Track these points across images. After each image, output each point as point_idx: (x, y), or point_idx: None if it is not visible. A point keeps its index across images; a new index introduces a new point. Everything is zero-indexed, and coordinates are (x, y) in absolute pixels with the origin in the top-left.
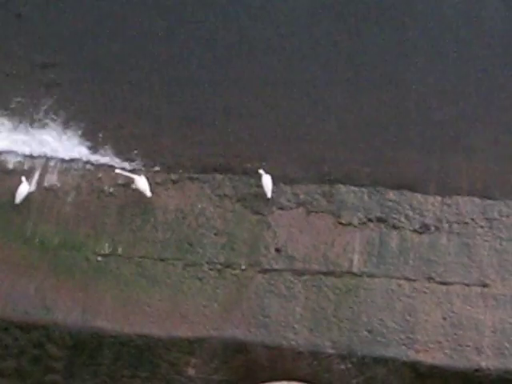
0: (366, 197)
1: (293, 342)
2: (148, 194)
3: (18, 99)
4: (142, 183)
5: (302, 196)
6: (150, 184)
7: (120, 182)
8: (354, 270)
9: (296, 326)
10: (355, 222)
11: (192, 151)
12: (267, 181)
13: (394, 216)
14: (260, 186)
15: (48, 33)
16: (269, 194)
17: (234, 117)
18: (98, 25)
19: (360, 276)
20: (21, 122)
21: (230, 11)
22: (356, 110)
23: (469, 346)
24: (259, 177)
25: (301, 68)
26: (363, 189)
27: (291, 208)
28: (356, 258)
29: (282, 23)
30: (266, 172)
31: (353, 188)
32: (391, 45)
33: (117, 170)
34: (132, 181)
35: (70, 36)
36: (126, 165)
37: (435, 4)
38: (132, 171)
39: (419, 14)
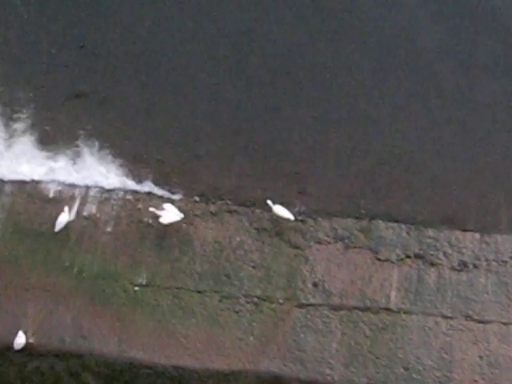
0: (404, 233)
1: (328, 378)
2: (180, 216)
3: (59, 128)
4: (170, 211)
5: (340, 231)
6: (185, 215)
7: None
8: (391, 306)
9: (332, 361)
10: (393, 258)
11: (231, 183)
12: (280, 209)
13: (432, 253)
14: (298, 220)
15: (94, 64)
16: (291, 217)
17: (273, 150)
18: (140, 59)
19: (397, 312)
20: (61, 152)
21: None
22: (396, 147)
23: None
24: (270, 209)
25: (341, 105)
26: (402, 225)
27: (329, 242)
28: (393, 294)
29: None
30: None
31: (391, 224)
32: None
33: (150, 209)
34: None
35: (114, 68)
36: (166, 196)
37: None
38: (171, 202)
39: None
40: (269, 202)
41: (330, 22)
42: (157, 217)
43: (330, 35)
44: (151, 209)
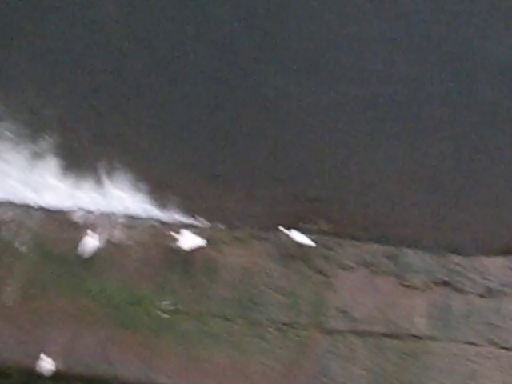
0: (430, 259)
1: None
2: (202, 242)
3: (84, 155)
4: (190, 237)
5: (365, 257)
6: (212, 241)
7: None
8: (417, 332)
9: None
10: (419, 284)
11: (257, 209)
12: (296, 235)
13: (458, 279)
14: (324, 246)
15: (118, 88)
16: (309, 242)
17: (298, 176)
18: (163, 87)
19: (423, 339)
20: (87, 178)
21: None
22: (421, 174)
23: None
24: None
25: (362, 131)
26: (428, 251)
27: (355, 269)
28: (419, 320)
29: None
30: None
31: (417, 250)
32: None
33: (170, 233)
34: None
35: (135, 96)
36: (192, 222)
37: None
38: (198, 229)
39: None
40: (281, 228)
41: None
42: (180, 242)
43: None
44: (171, 233)
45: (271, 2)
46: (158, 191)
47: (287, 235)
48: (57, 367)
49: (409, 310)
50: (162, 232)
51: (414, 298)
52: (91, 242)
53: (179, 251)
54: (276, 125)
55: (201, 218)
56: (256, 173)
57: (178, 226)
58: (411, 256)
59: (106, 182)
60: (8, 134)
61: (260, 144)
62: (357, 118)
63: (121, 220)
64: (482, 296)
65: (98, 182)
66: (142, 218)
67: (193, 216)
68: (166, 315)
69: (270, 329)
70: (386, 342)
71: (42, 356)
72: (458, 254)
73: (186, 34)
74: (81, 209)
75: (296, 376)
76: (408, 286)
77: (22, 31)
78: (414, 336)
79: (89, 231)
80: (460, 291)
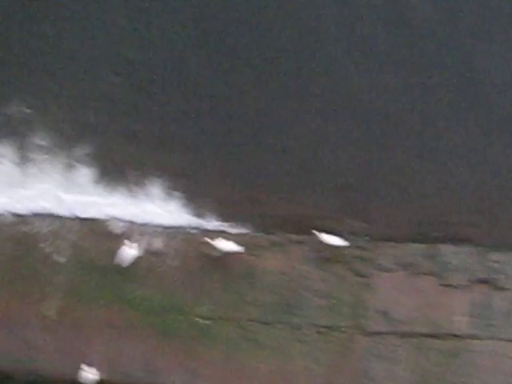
0: (469, 258)
1: None
2: (239, 249)
3: (123, 165)
4: (226, 244)
5: (404, 257)
6: (249, 247)
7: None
8: (458, 332)
9: None
10: (459, 283)
11: (293, 213)
12: (328, 237)
13: (498, 277)
14: (362, 247)
15: (152, 96)
16: (342, 243)
17: (335, 178)
18: (196, 94)
19: (464, 338)
20: (126, 188)
21: None
22: (458, 172)
23: None
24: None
25: (402, 133)
26: (466, 250)
27: (394, 270)
28: (460, 319)
29: None
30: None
31: (456, 249)
32: None
33: (205, 239)
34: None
35: (172, 105)
36: (229, 228)
37: None
38: (235, 235)
39: None
40: (314, 231)
41: None
42: (217, 249)
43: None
44: (208, 240)
45: None
46: (195, 199)
47: (323, 238)
48: (100, 378)
49: (449, 309)
50: (200, 239)
51: (454, 297)
52: (129, 252)
53: (217, 258)
54: (306, 130)
55: (237, 224)
56: (291, 177)
57: (214, 233)
58: (450, 255)
59: (143, 191)
60: (43, 143)
61: (293, 149)
62: (395, 121)
63: (158, 229)
64: None
65: (135, 191)
66: (179, 226)
67: (229, 222)
68: (206, 322)
69: (311, 332)
70: (427, 342)
71: (85, 367)
72: (498, 252)
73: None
74: (118, 219)
75: (338, 379)
76: (448, 286)
77: (55, 42)
78: (455, 335)
79: (126, 241)
80: (500, 289)
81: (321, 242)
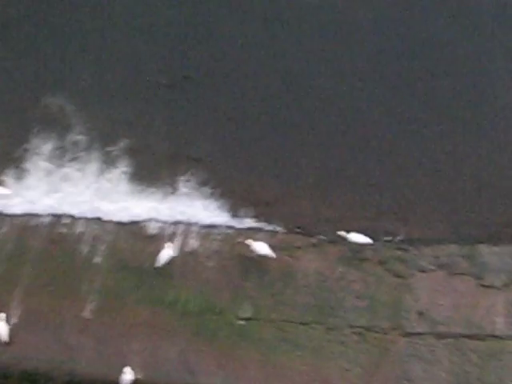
0: (508, 258)
1: None
2: (272, 255)
3: (158, 166)
4: (261, 248)
5: (443, 258)
6: (288, 248)
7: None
8: (498, 332)
9: None
10: (498, 283)
11: (332, 214)
12: (356, 236)
13: None
14: (400, 248)
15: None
16: (370, 241)
17: (373, 181)
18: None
19: (504, 339)
20: (161, 189)
21: None
22: (494, 171)
23: None
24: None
25: (439, 135)
26: (505, 250)
27: (432, 270)
28: (500, 320)
29: None
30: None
31: (495, 249)
32: None
33: (246, 241)
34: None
35: (207, 102)
36: (266, 229)
37: None
38: (272, 235)
39: None
40: (341, 233)
41: None
42: (254, 250)
43: None
44: (245, 241)
45: None
46: (231, 199)
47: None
48: (138, 378)
49: (488, 310)
50: (235, 239)
51: (493, 297)
52: (166, 252)
53: (254, 258)
54: (343, 131)
55: (273, 224)
56: (329, 177)
57: (250, 233)
58: (488, 255)
59: (178, 192)
60: (80, 139)
61: (334, 151)
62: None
63: (195, 229)
64: None
65: (170, 191)
66: (216, 227)
67: (266, 222)
68: (243, 323)
69: (348, 333)
70: (467, 342)
71: (124, 368)
72: None
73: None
74: (154, 220)
75: (376, 380)
76: (486, 286)
77: (91, 40)
78: (495, 336)
79: (164, 241)
80: None
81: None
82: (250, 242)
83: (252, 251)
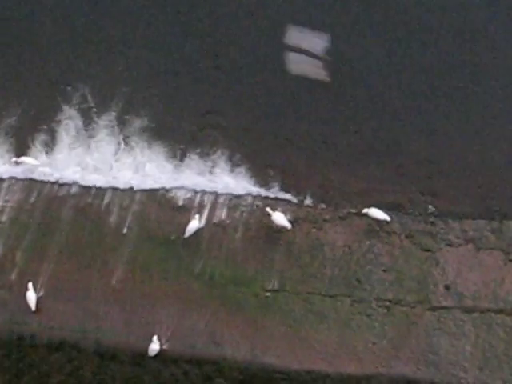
0: None
1: (462, 381)
2: (287, 225)
3: (187, 138)
4: (279, 217)
5: (470, 232)
6: (315, 221)
7: (288, 218)
8: None
9: (466, 364)
10: None
11: (360, 187)
12: (375, 212)
13: None
14: (428, 222)
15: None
16: (388, 218)
17: (402, 154)
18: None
19: None
20: (189, 160)
21: None
22: None
23: None
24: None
25: (467, 110)
26: None
27: (460, 245)
28: None
29: None
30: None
31: None
32: None
33: (267, 209)
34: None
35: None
36: (294, 201)
37: None
38: (299, 207)
39: None
40: (365, 209)
41: None
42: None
43: None
44: (267, 209)
45: None
46: (259, 170)
47: (392, 213)
48: (164, 348)
49: None
50: (264, 212)
51: None
52: (193, 223)
53: (280, 230)
54: (371, 106)
55: (301, 196)
56: (358, 150)
57: (278, 204)
58: None
59: (206, 163)
60: (102, 122)
61: (363, 123)
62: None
63: (223, 200)
64: None
65: (201, 163)
66: (243, 198)
67: (293, 193)
68: (269, 294)
69: (376, 306)
70: (494, 317)
71: (151, 338)
72: None
73: None
74: (182, 190)
75: (403, 353)
76: None
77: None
78: None
79: (192, 212)
80: None
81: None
82: (269, 210)
83: (272, 221)
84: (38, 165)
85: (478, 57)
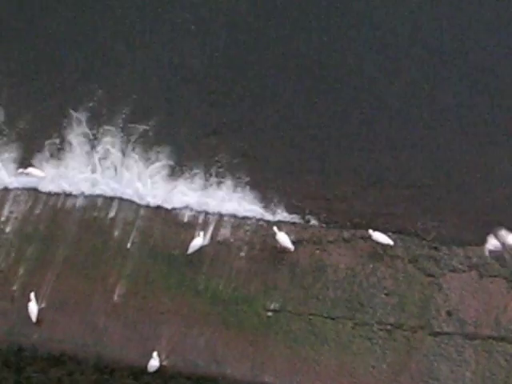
0: None
1: None
2: (291, 247)
3: (193, 157)
4: (283, 238)
5: (474, 259)
6: (317, 241)
7: (292, 238)
8: None
9: None
10: None
11: (364, 210)
12: (379, 236)
13: None
14: (432, 247)
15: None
16: (391, 242)
17: (407, 177)
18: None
19: None
20: (195, 179)
21: None
22: None
23: None
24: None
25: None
26: None
27: (463, 271)
28: None
29: None
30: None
31: None
32: None
33: (274, 227)
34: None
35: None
36: (299, 222)
37: None
38: (305, 229)
39: None
40: (370, 231)
41: None
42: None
43: None
44: (274, 228)
45: None
46: (264, 190)
47: (396, 237)
48: (163, 364)
49: None
50: (269, 232)
51: None
52: (198, 241)
53: (285, 251)
54: (380, 130)
55: (306, 217)
56: (365, 174)
57: (282, 225)
58: None
59: (212, 181)
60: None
61: (366, 147)
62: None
63: (227, 219)
64: None
65: (206, 183)
66: (248, 218)
67: (298, 215)
68: (271, 314)
69: (377, 330)
70: (495, 345)
71: (151, 354)
72: None
73: None
74: (187, 208)
75: (403, 378)
76: None
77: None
78: None
79: (196, 230)
80: None
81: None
82: (275, 229)
83: (276, 240)
84: (44, 176)
85: None
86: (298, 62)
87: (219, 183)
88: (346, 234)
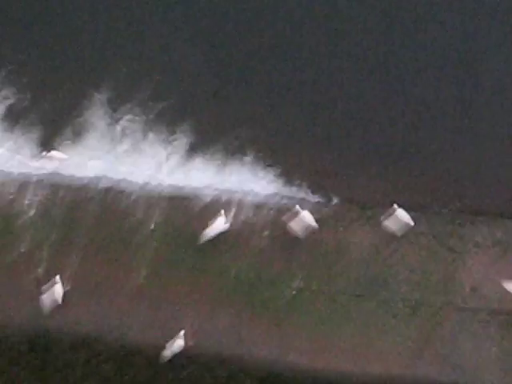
0: None
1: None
2: (314, 225)
3: (214, 137)
4: (307, 217)
5: (498, 234)
6: (341, 220)
7: (315, 216)
8: None
9: (491, 366)
10: None
11: (386, 187)
12: (402, 214)
13: None
14: (455, 223)
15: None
16: (411, 222)
17: (430, 155)
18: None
19: None
20: (218, 159)
21: None
22: None
23: None
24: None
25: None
26: None
27: (487, 246)
28: None
29: None
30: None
31: None
32: None
33: (296, 207)
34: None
35: (262, 75)
36: (322, 201)
37: None
38: (327, 206)
39: None
40: (395, 206)
41: None
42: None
43: None
44: (296, 207)
45: None
46: (287, 169)
47: (419, 213)
48: (188, 345)
49: None
50: (290, 210)
51: None
52: (220, 221)
53: (309, 229)
54: (399, 110)
55: (328, 195)
56: (388, 150)
57: (306, 205)
58: None
59: (234, 162)
60: (137, 118)
61: (386, 125)
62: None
63: (251, 199)
64: None
65: (230, 162)
66: (272, 197)
67: (323, 195)
68: (297, 293)
69: (402, 306)
70: None
71: (176, 335)
72: None
73: None
74: (211, 188)
75: (428, 354)
76: None
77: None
78: None
79: (219, 210)
80: None
81: (413, 217)
82: (298, 208)
83: (299, 219)
84: (66, 159)
85: None
86: None
87: (241, 161)
88: (369, 212)
